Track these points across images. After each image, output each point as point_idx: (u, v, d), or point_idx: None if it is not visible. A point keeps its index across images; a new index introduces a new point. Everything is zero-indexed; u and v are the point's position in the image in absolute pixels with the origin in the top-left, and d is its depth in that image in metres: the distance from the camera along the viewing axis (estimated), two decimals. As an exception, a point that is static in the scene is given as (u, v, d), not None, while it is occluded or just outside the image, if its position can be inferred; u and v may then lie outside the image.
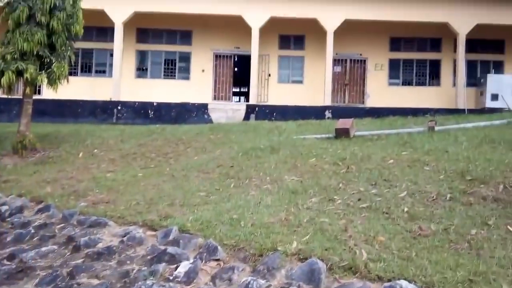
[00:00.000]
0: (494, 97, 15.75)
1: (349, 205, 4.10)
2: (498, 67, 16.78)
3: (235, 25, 15.94)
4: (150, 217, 4.33)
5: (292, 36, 16.84)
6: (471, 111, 15.06)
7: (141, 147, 9.19)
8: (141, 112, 15.43)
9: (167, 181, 6.02)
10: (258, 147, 7.20)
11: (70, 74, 11.44)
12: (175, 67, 16.96)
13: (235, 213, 4.03)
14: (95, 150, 9.32)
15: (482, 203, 3.87)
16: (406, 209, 3.83)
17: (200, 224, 3.85)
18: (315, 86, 16.07)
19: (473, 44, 15.97)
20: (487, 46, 16.77)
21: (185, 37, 16.92)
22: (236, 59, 17.20)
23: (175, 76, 16.97)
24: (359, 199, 4.21)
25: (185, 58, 16.97)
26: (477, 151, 5.43)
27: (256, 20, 15.50)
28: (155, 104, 15.62)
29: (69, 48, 10.28)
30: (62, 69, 9.86)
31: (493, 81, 15.82)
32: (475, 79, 16.68)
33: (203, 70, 16.73)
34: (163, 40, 16.97)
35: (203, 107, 15.53)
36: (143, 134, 10.55)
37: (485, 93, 15.85)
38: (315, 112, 14.77)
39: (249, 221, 3.76)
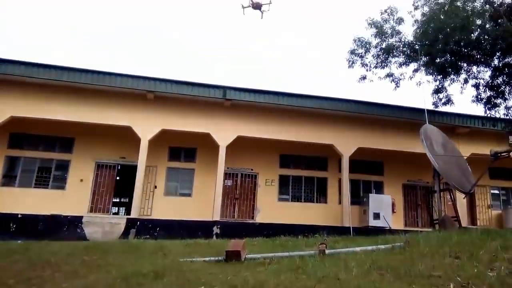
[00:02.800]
0: (376, 215, 16.45)
1: None
2: (379, 187, 17.91)
3: (123, 136, 15.21)
4: None
5: (183, 148, 16.45)
6: (356, 229, 15.44)
7: (-3, 271, 7.32)
8: (0, 226, 13.19)
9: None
10: (139, 271, 6.13)
11: None
12: (49, 176, 15.24)
13: None
14: None
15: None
16: None
17: None
18: (204, 200, 15.40)
19: (356, 165, 16.95)
20: (368, 167, 17.96)
21: (66, 144, 15.60)
22: (120, 167, 16.09)
23: (48, 185, 15.16)
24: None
25: (63, 166, 15.45)
26: (367, 279, 5.06)
27: (146, 132, 14.97)
28: (19, 216, 13.53)
29: None
30: None
31: (374, 201, 16.67)
32: (358, 197, 17.42)
33: (81, 180, 15.24)
34: (39, 146, 15.44)
35: (77, 220, 13.77)
36: (0, 254, 8.64)
37: (368, 212, 16.53)
38: (203, 227, 13.89)
39: None
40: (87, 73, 14.68)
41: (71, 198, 14.80)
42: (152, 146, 15.12)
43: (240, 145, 15.75)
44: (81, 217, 13.98)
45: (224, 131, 15.54)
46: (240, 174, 16.68)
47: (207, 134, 15.45)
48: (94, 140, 15.57)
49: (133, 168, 14.97)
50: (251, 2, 18.11)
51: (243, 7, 18.01)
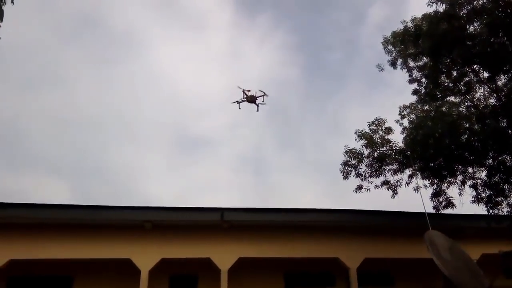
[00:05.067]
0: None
1: None
2: (390, 299, 17.00)
3: (122, 268, 14.86)
4: None
5: (184, 276, 15.96)
6: None
7: None
8: None
9: None
10: None
11: None
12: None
13: None
14: None
15: None
16: None
17: None
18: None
19: (365, 277, 16.26)
20: (378, 279, 17.20)
21: (65, 284, 15.19)
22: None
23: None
24: None
25: (62, 306, 14.93)
26: None
27: (145, 263, 14.61)
28: None
29: None
30: None
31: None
32: (372, 312, 16.48)
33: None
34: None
35: None
36: None
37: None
38: None
39: None
40: (84, 208, 14.76)
41: None
42: (152, 276, 14.65)
43: (242, 268, 15.26)
44: None
45: (224, 254, 15.15)
46: (245, 299, 15.98)
47: (207, 259, 15.07)
48: (94, 276, 15.19)
49: (133, 302, 14.38)
50: (245, 97, 18.80)
51: (238, 102, 18.63)
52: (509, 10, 12.76)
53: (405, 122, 16.12)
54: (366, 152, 15.81)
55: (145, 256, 14.71)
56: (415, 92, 16.06)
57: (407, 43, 15.46)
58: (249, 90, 18.98)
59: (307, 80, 75.40)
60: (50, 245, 14.34)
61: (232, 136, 67.92)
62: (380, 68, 16.68)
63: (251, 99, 19.05)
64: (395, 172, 15.86)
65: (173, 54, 65.32)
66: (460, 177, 15.79)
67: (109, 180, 62.11)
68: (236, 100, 18.91)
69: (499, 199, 15.36)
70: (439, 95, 15.45)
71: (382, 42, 16.48)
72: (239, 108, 18.44)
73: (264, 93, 19.08)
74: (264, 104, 18.78)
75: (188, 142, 66.56)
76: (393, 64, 16.22)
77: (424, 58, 15.46)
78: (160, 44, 62.86)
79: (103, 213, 14.78)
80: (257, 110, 18.60)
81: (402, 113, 16.25)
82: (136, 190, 59.39)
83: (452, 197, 15.78)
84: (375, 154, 15.70)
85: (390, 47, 16.34)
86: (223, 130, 68.32)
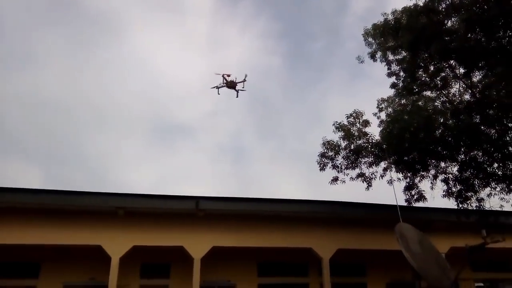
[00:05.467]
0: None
1: None
2: (363, 289, 17.29)
3: (92, 255, 14.57)
4: None
5: (156, 264, 15.78)
6: None
7: None
8: None
9: None
10: None
11: None
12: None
13: None
14: None
15: None
16: None
17: None
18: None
19: (337, 267, 16.42)
20: (350, 269, 17.45)
21: (32, 270, 14.81)
22: (90, 290, 15.20)
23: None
24: None
25: None
26: None
27: (116, 250, 14.35)
28: None
29: None
30: None
31: (360, 304, 16.03)
32: (343, 301, 16.71)
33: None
34: (2, 274, 14.59)
35: None
36: None
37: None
38: None
39: None
40: (54, 193, 14.34)
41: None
42: (123, 264, 14.42)
43: (215, 256, 15.20)
44: None
45: (198, 243, 15.02)
46: (217, 286, 15.92)
47: (180, 248, 14.92)
48: (62, 262, 14.87)
49: (103, 289, 14.14)
50: (224, 82, 18.51)
51: (217, 87, 18.31)
52: (485, 7, 12.89)
53: (383, 115, 16.26)
54: (343, 144, 15.88)
55: (116, 243, 14.43)
56: (393, 85, 16.17)
57: (387, 36, 15.49)
58: (229, 75, 18.66)
59: (289, 69, 75.42)
60: (16, 230, 13.88)
61: (211, 124, 67.34)
62: (360, 60, 16.71)
63: (231, 85, 18.74)
64: (370, 164, 16.00)
65: (152, 39, 63.94)
66: (432, 171, 16.06)
67: (84, 167, 60.80)
68: (216, 85, 18.55)
69: (469, 194, 15.71)
70: (416, 89, 15.58)
71: (362, 34, 16.47)
72: (218, 94, 18.14)
73: (245, 78, 18.79)
74: (244, 90, 18.53)
75: (166, 130, 65.58)
76: (373, 56, 16.25)
77: (403, 51, 15.54)
78: (138, 28, 61.30)
79: (73, 199, 14.39)
80: (237, 96, 18.34)
81: (380, 106, 16.36)
82: (112, 177, 58.40)
83: (424, 190, 16.06)
84: (352, 147, 15.78)
85: (370, 39, 16.35)
86: (202, 118, 67.62)
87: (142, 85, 62.42)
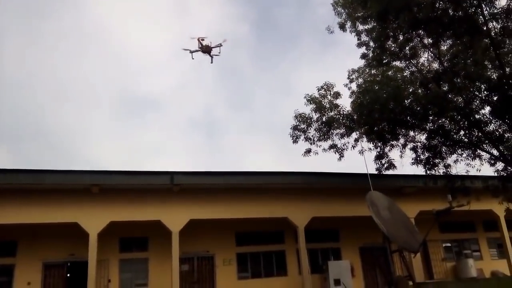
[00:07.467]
0: (337, 282, 16.53)
1: None
2: (336, 254, 18.05)
3: (70, 232, 14.72)
4: None
5: (135, 238, 16.06)
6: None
7: None
8: None
9: None
10: None
11: None
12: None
13: None
14: None
15: None
16: None
17: None
18: (161, 290, 14.96)
19: (312, 234, 17.04)
20: (324, 236, 18.15)
21: (8, 249, 14.90)
22: (69, 265, 15.44)
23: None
24: None
25: (7, 271, 14.72)
26: None
27: (94, 226, 14.51)
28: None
29: None
30: None
31: (334, 267, 16.75)
32: (318, 266, 17.42)
33: (28, 283, 14.51)
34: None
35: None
36: None
37: (328, 279, 16.55)
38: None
39: None
40: (27, 173, 14.27)
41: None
42: (101, 239, 14.64)
43: (193, 229, 15.51)
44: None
45: (175, 217, 15.29)
46: (196, 257, 16.40)
47: (158, 222, 15.16)
48: (39, 240, 14.99)
49: (84, 264, 14.27)
50: (200, 46, 18.23)
51: (191, 52, 17.97)
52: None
53: (354, 86, 16.44)
54: (315, 116, 16.07)
55: (93, 220, 14.56)
56: (363, 56, 16.25)
57: (356, 6, 15.45)
58: (203, 39, 18.30)
59: (259, 37, 74.41)
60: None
61: (182, 96, 66.41)
62: (330, 30, 16.68)
63: (206, 49, 18.38)
64: (342, 136, 16.29)
65: (116, 8, 61.78)
66: (402, 140, 16.48)
67: (52, 144, 59.46)
68: (189, 49, 18.17)
69: (437, 160, 16.26)
70: (385, 59, 15.72)
71: (332, 4, 16.41)
72: (192, 58, 17.85)
73: (221, 43, 18.49)
74: (219, 55, 18.27)
75: (136, 103, 63.73)
76: (342, 27, 16.22)
77: (372, 22, 15.57)
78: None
79: (47, 177, 14.34)
80: (211, 62, 18.10)
81: (351, 77, 16.52)
82: (82, 154, 57.25)
83: (393, 159, 16.51)
84: (324, 119, 15.99)
85: (340, 8, 16.29)
86: (172, 90, 66.51)
87: (108, 56, 60.54)
